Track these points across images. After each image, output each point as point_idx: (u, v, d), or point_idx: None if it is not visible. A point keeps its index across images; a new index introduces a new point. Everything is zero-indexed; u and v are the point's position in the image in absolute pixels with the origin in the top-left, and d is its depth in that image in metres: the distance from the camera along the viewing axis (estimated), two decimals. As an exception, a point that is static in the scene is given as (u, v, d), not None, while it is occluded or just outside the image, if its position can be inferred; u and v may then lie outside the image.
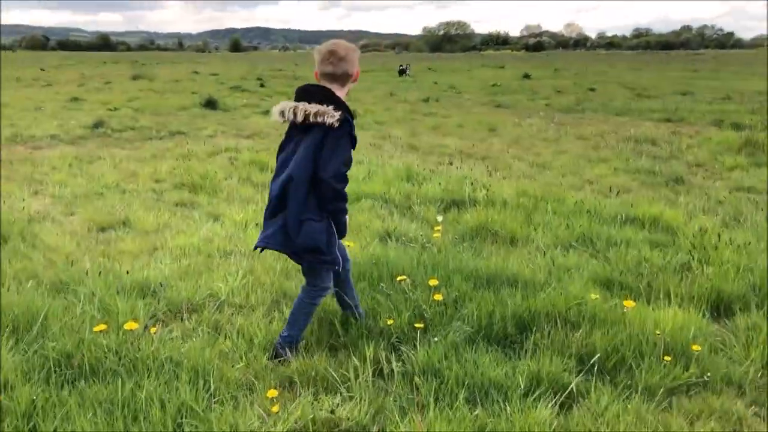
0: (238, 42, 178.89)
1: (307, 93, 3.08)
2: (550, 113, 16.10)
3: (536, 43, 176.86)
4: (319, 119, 2.94)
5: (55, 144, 9.82)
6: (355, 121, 3.13)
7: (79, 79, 26.44)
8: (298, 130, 3.08)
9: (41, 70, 35.39)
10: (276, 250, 3.25)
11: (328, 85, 3.10)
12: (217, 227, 5.60)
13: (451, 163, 9.03)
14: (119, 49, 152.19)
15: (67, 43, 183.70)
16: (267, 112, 15.11)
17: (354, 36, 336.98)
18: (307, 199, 3.02)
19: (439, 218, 5.41)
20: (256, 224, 5.41)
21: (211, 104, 14.74)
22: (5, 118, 12.79)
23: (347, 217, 3.20)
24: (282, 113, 3.07)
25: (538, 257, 4.94)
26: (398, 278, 3.91)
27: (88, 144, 9.87)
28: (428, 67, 47.75)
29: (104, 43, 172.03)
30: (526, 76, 32.09)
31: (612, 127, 13.34)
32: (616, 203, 6.57)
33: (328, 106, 2.96)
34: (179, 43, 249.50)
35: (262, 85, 24.61)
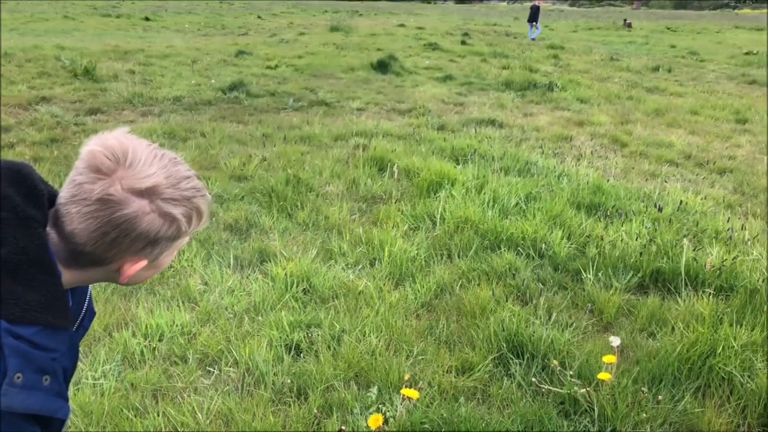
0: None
1: None
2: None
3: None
4: None
5: (174, 109, 8.27)
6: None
7: (286, 29, 25.80)
8: None
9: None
10: None
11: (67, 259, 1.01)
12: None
13: (666, 182, 5.98)
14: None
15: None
16: (447, 78, 12.63)
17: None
18: None
19: (615, 342, 2.76)
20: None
21: (383, 66, 12.56)
22: (160, 69, 11.77)
23: None
24: None
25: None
26: None
27: (207, 112, 8.22)
28: (666, 26, 41.27)
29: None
30: (795, 43, 25.61)
31: None
32: None
33: None
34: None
35: (463, 42, 21.97)
